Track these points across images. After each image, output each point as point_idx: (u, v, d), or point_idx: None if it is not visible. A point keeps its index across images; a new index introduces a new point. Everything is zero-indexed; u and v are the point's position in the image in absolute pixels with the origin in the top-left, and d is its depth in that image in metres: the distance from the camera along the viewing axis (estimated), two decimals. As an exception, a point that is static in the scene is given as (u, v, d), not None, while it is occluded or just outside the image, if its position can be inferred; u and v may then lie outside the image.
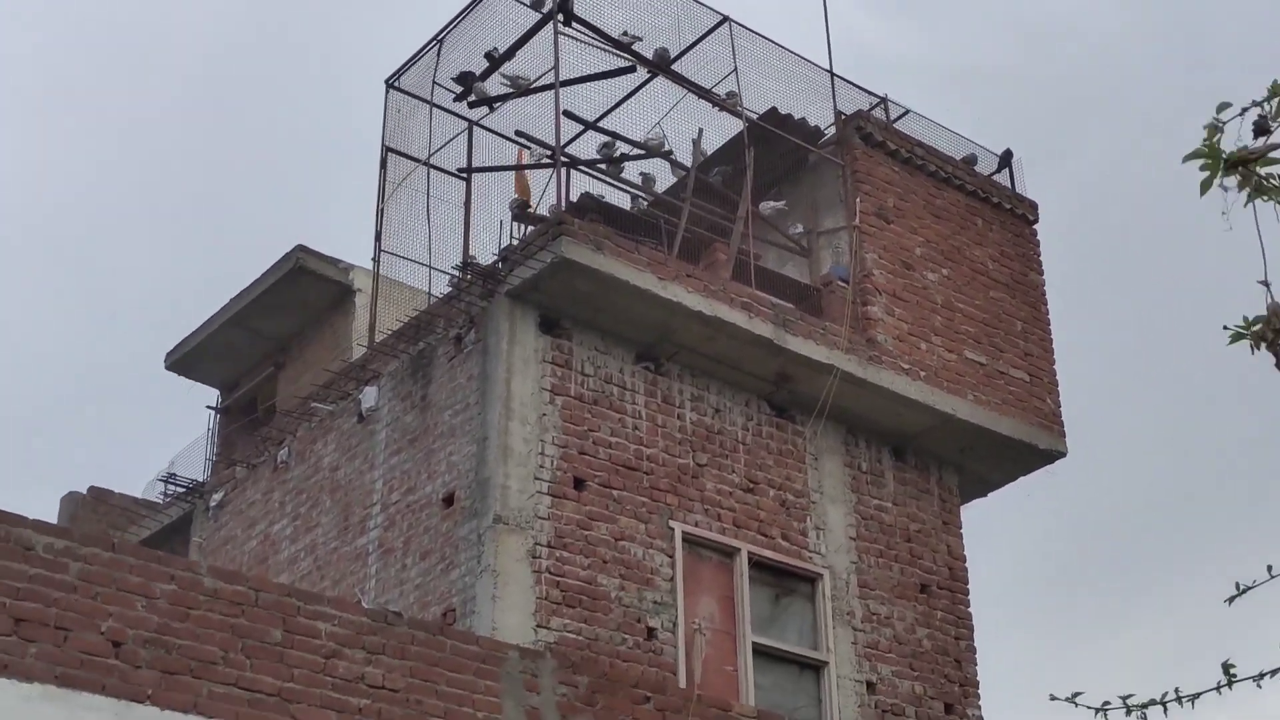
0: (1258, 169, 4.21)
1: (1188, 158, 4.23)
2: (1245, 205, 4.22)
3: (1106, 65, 46.09)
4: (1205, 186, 4.21)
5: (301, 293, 18.60)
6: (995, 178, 17.29)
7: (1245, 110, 4.24)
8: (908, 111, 16.99)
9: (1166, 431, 40.53)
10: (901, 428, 15.43)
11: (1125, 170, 44.22)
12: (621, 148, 15.60)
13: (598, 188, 15.44)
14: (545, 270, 13.35)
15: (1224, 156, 4.18)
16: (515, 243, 14.31)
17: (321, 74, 50.36)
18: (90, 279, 47.64)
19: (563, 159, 14.35)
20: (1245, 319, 4.41)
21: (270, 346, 19.56)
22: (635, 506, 13.56)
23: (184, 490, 17.39)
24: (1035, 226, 17.29)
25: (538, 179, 16.06)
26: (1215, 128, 4.22)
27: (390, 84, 16.79)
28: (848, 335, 14.78)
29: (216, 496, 16.97)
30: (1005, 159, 17.45)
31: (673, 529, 13.71)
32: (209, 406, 20.46)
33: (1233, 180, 4.24)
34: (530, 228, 14.64)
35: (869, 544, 14.95)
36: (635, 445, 13.84)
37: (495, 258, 14.07)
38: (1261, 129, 4.23)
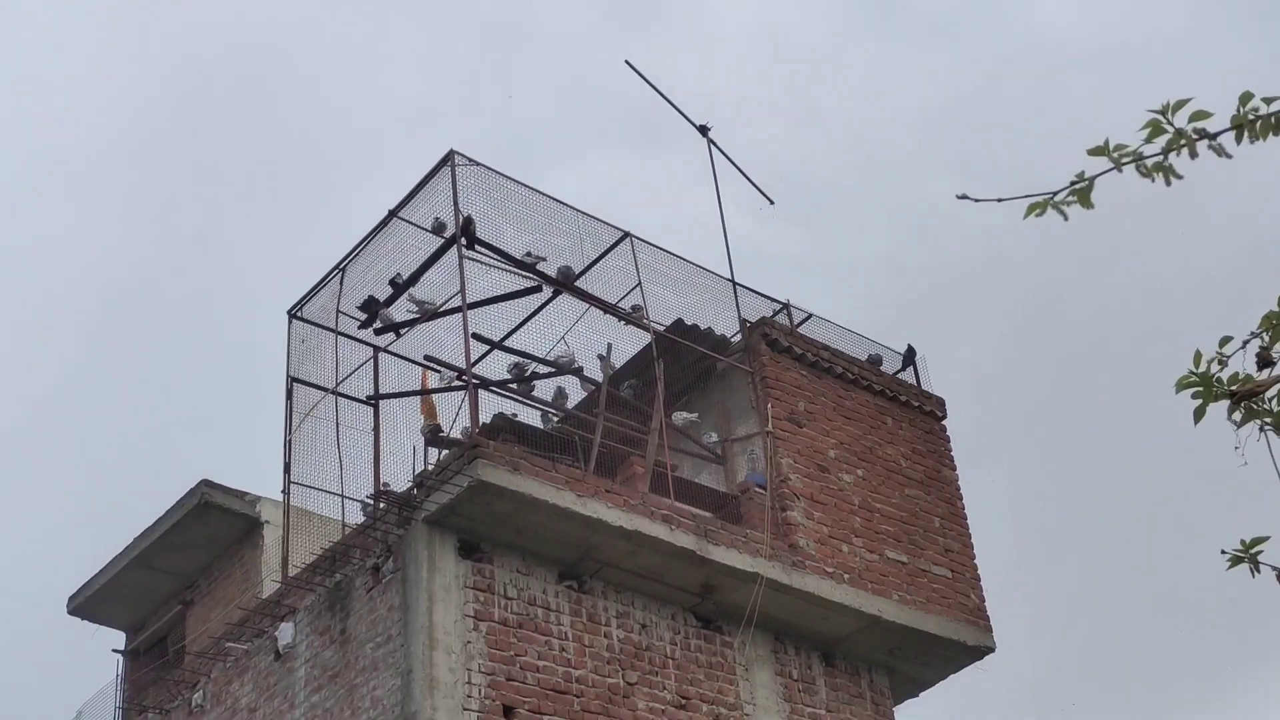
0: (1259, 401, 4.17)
1: (1180, 386, 4.21)
2: (1258, 438, 4.18)
3: (986, 249, 47.08)
4: (1199, 414, 4.19)
5: (208, 528, 18.24)
6: (901, 375, 17.45)
7: (1246, 342, 4.22)
8: (810, 315, 17.17)
9: (1090, 609, 40.61)
10: (829, 632, 15.28)
11: (1019, 349, 44.93)
12: (531, 366, 15.56)
13: (510, 408, 15.35)
14: (462, 494, 13.17)
15: (1231, 390, 4.16)
16: (430, 468, 14.13)
17: (224, 306, 50.19)
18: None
19: (473, 380, 14.26)
20: (1243, 542, 4.34)
21: (177, 584, 19.10)
22: (567, 732, 13.22)
23: (94, 742, 16.73)
24: (944, 422, 17.41)
25: (446, 402, 15.97)
26: (1220, 359, 4.19)
27: (293, 314, 16.71)
28: (769, 542, 14.69)
29: (128, 747, 16.33)
30: (909, 356, 17.65)
31: (606, 753, 13.36)
32: (115, 650, 19.89)
33: (1221, 406, 4.20)
34: (444, 452, 14.48)
35: (805, 754, 14.67)
36: (563, 667, 13.55)
37: (410, 484, 13.87)
38: (1265, 360, 4.22)
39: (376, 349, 16.51)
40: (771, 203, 18.38)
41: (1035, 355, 44.64)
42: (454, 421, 15.38)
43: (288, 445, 16.05)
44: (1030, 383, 44.38)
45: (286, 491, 15.81)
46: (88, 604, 19.54)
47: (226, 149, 50.56)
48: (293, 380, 16.39)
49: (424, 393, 16.11)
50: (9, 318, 49.90)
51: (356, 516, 15.35)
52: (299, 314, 16.67)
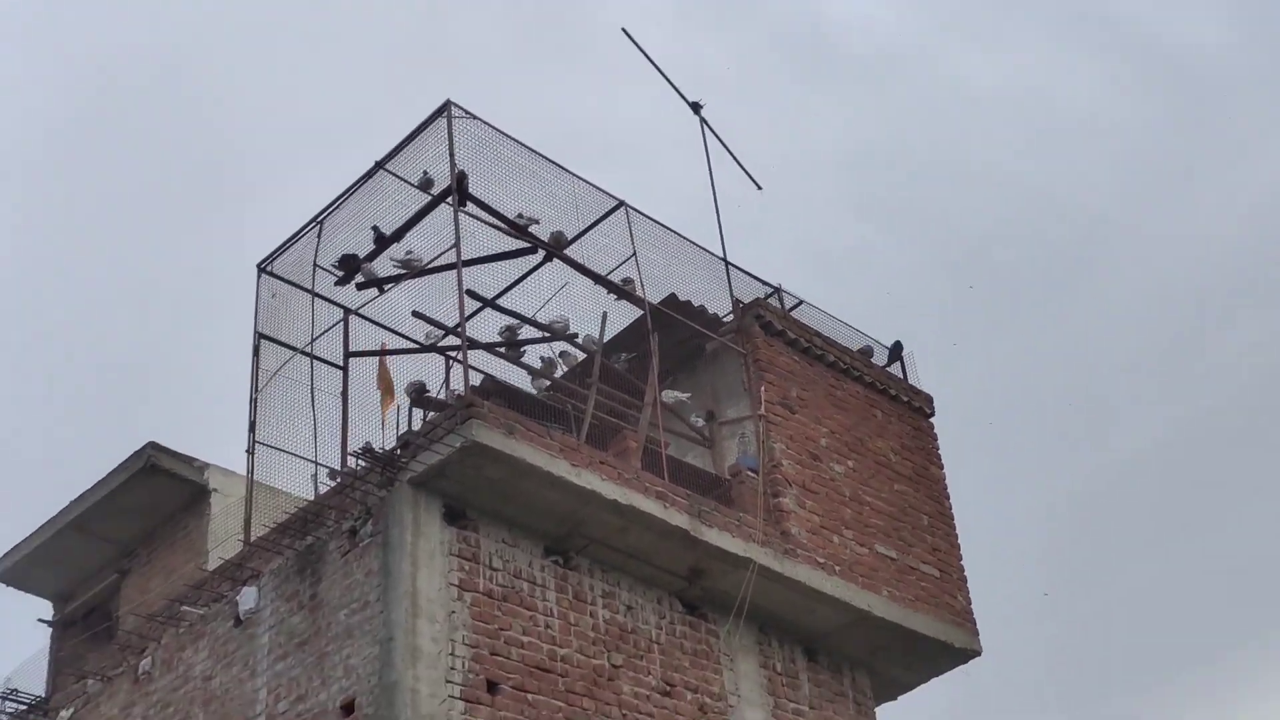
0: None
1: None
2: None
3: (984, 255, 46.87)
4: None
5: (152, 493, 17.34)
6: (888, 370, 16.95)
7: None
8: (801, 302, 16.62)
9: (1076, 622, 40.42)
10: (815, 626, 14.69)
11: (1017, 359, 44.69)
12: (523, 330, 14.86)
13: (497, 372, 14.63)
14: (454, 455, 12.43)
15: None
16: (413, 429, 13.38)
17: (190, 261, 48.64)
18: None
19: (466, 338, 13.53)
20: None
21: (114, 552, 18.12)
22: (551, 712, 12.49)
23: (26, 707, 15.71)
24: (932, 420, 16.93)
25: (427, 366, 15.23)
26: None
27: (262, 268, 15.86)
28: (762, 528, 14.08)
29: (65, 714, 15.36)
30: (896, 351, 17.16)
31: (591, 736, 12.66)
32: (41, 620, 18.87)
33: None
34: (430, 413, 13.74)
35: (789, 750, 14.06)
36: (549, 645, 12.83)
37: (395, 443, 13.09)
38: None
39: (347, 310, 15.70)
40: (760, 188, 17.86)
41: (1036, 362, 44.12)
42: (447, 384, 14.64)
43: (253, 403, 15.19)
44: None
45: (251, 451, 14.95)
46: (16, 569, 18.54)
47: (139, 149, 49.12)
48: (260, 337, 15.54)
49: (383, 353, 15.36)
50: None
51: (322, 481, 14.60)
52: (269, 268, 15.83)
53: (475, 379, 13.95)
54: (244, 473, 16.95)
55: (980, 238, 46.40)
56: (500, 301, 15.04)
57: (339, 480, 13.69)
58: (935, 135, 49.23)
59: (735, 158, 17.44)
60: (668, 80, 17.16)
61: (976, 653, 15.48)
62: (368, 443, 13.39)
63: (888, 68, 50.91)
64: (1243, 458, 40.91)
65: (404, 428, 14.00)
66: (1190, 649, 39.59)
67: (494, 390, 13.85)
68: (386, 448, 13.00)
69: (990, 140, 48.60)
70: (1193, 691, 39.79)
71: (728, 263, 16.06)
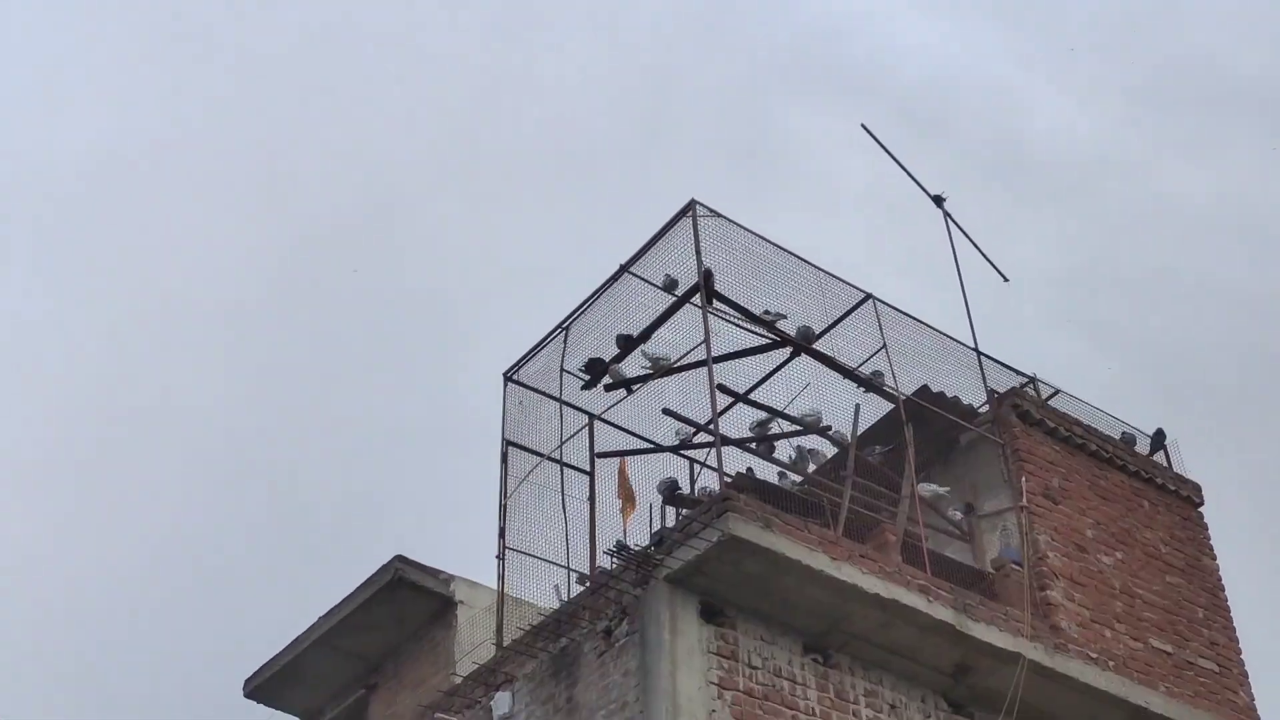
0: None
1: None
2: None
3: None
4: None
5: (399, 607, 17.40)
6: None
7: None
8: (1057, 391, 16.09)
9: None
10: (1088, 725, 13.96)
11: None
12: (774, 424, 14.63)
13: (748, 468, 14.39)
14: (711, 550, 12.17)
15: None
16: (667, 526, 13.18)
17: (430, 371, 49.75)
18: (165, 606, 45.74)
19: (719, 434, 13.34)
20: None
21: (361, 667, 18.21)
22: (819, 814, 12.05)
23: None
24: (1201, 509, 16.16)
25: (674, 465, 15.09)
26: None
27: (509, 376, 15.96)
28: (1030, 622, 13.49)
29: (323, 828, 15.36)
30: (1159, 439, 16.47)
31: (861, 840, 12.15)
32: (290, 737, 19.03)
33: None
34: (683, 511, 13.55)
35: None
36: (812, 745, 12.41)
37: (650, 541, 12.90)
38: None
39: (591, 415, 15.69)
40: (1006, 280, 17.43)
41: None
42: (694, 481, 14.46)
43: (503, 509, 15.21)
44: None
45: (501, 556, 14.92)
46: (266, 686, 18.72)
47: (348, 303, 50.48)
48: (508, 444, 15.59)
49: (631, 454, 15.27)
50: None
51: (564, 586, 14.53)
52: (515, 377, 15.93)
53: (730, 475, 13.71)
54: (488, 584, 17.08)
55: (1194, 350, 44.95)
56: (750, 398, 14.84)
57: (593, 580, 13.55)
58: (1144, 248, 48.10)
59: (979, 249, 17.09)
60: (908, 173, 16.92)
61: (1264, 753, 14.57)
62: (620, 541, 13.24)
63: (1093, 181, 49.96)
64: None
65: (654, 528, 13.81)
66: None
67: (747, 486, 13.60)
68: (640, 546, 12.82)
69: (1203, 251, 47.30)
70: None
71: (979, 353, 15.64)
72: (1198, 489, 16.27)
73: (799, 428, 14.60)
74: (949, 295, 16.56)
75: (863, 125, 16.59)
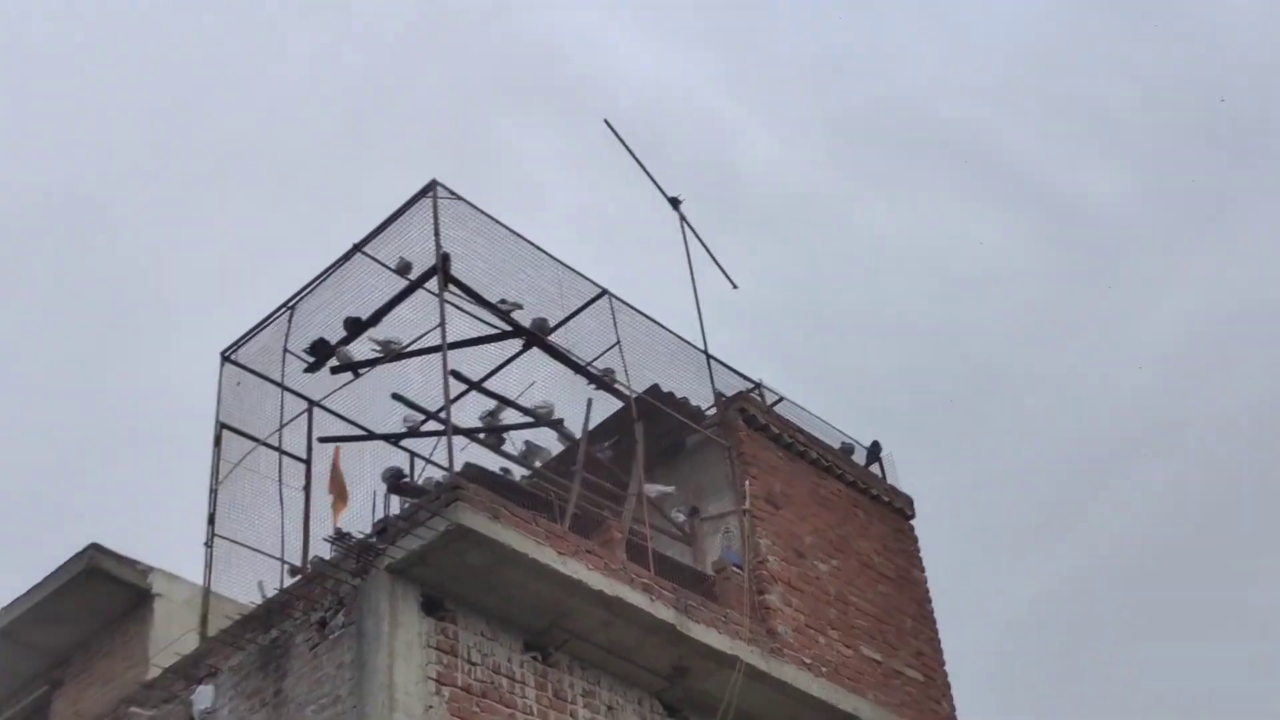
0: None
1: None
2: None
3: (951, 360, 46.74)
4: None
5: (92, 599, 16.43)
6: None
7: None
8: (781, 398, 16.23)
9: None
10: (797, 730, 14.06)
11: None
12: (503, 414, 14.34)
13: (476, 460, 14.07)
14: (437, 540, 11.81)
15: None
16: (391, 516, 12.76)
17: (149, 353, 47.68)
18: None
19: (451, 423, 12.99)
20: None
21: (45, 662, 17.14)
22: (532, 814, 11.81)
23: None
24: (912, 522, 16.51)
25: (378, 461, 14.63)
26: None
27: (226, 356, 15.29)
28: (749, 625, 13.52)
29: (0, 823, 14.41)
30: (874, 451, 16.78)
31: (572, 845, 11.95)
32: (-40, 740, 17.82)
33: None
34: (408, 500, 13.14)
35: None
36: (528, 745, 12.16)
37: (372, 530, 12.46)
38: None
39: (311, 402, 15.12)
40: (735, 286, 17.52)
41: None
42: (415, 472, 14.06)
43: (213, 495, 14.55)
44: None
45: (210, 544, 14.27)
46: (-69, 685, 17.50)
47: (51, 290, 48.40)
48: (223, 426, 14.91)
49: (355, 440, 14.79)
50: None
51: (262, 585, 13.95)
52: (233, 357, 15.26)
53: (458, 464, 13.36)
54: (189, 578, 16.35)
55: (884, 383, 46.57)
56: (483, 387, 14.52)
57: (309, 569, 13.04)
58: (839, 282, 49.66)
59: (712, 255, 17.13)
60: (647, 174, 16.87)
61: (965, 763, 14.92)
62: (338, 529, 12.77)
63: (794, 216, 51.28)
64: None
65: (376, 517, 13.36)
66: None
67: (475, 477, 13.28)
68: (361, 534, 12.37)
69: (892, 287, 49.09)
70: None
71: (709, 356, 15.67)
72: (910, 502, 16.61)
73: (529, 420, 14.35)
74: (676, 302, 16.60)
75: (605, 121, 16.50)
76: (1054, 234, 49.64)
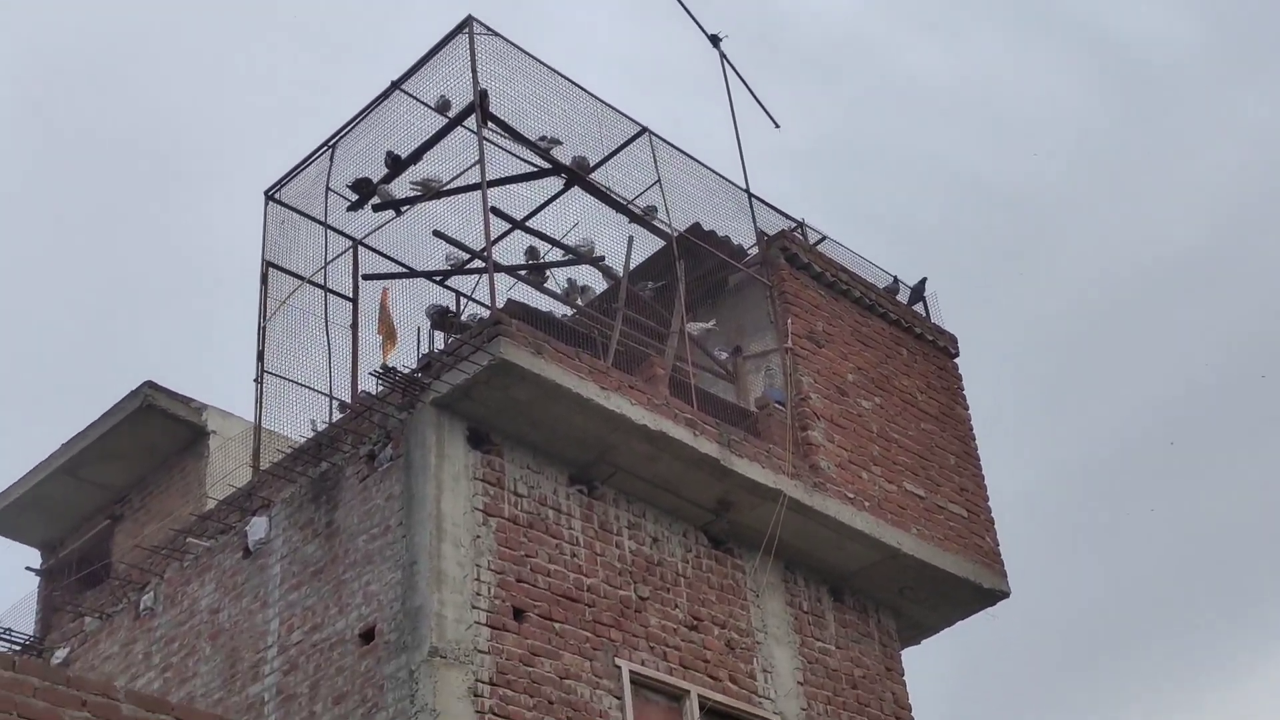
0: None
1: None
2: None
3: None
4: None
5: (148, 435, 16.64)
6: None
7: None
8: (824, 237, 16.14)
9: (1103, 564, 39.97)
10: (842, 564, 14.23)
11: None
12: (547, 251, 14.35)
13: (519, 296, 14.10)
14: (481, 374, 11.92)
15: None
16: (435, 350, 12.85)
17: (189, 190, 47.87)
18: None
19: (492, 260, 13.01)
20: None
21: (106, 497, 17.43)
22: (579, 641, 12.02)
23: (19, 646, 15.11)
24: (956, 360, 16.49)
25: (422, 299, 14.70)
26: None
27: (270, 195, 15.32)
28: (792, 460, 13.61)
29: (60, 653, 14.78)
30: (919, 290, 16.71)
31: (619, 668, 12.17)
32: (29, 568, 18.21)
33: None
34: (452, 336, 13.22)
35: (817, 689, 13.59)
36: (575, 574, 12.35)
37: (417, 365, 12.56)
38: None
39: (355, 240, 15.17)
40: (778, 126, 17.38)
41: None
42: (460, 308, 14.11)
43: (261, 332, 14.69)
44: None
45: (260, 380, 14.43)
46: (2, 517, 17.85)
47: (93, 130, 48.24)
48: (268, 265, 15.00)
49: (400, 277, 14.83)
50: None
51: (321, 412, 14.11)
52: (277, 195, 15.29)
53: (500, 301, 13.41)
54: (241, 415, 16.52)
55: (930, 230, 46.17)
56: (524, 225, 14.51)
57: (356, 404, 13.18)
58: (888, 126, 48.99)
59: (753, 93, 16.98)
60: (687, 11, 16.66)
61: (1005, 594, 15.04)
62: (385, 364, 12.87)
63: (841, 60, 50.49)
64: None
65: (421, 353, 13.46)
66: (1228, 597, 39.15)
67: (518, 313, 13.32)
68: (407, 369, 12.48)
69: (942, 134, 48.45)
70: (1213, 646, 39.48)
71: (751, 194, 15.58)
72: (954, 340, 16.58)
73: (571, 258, 14.34)
74: (718, 143, 16.45)
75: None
76: (1108, 77, 48.85)
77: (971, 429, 16.03)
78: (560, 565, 12.27)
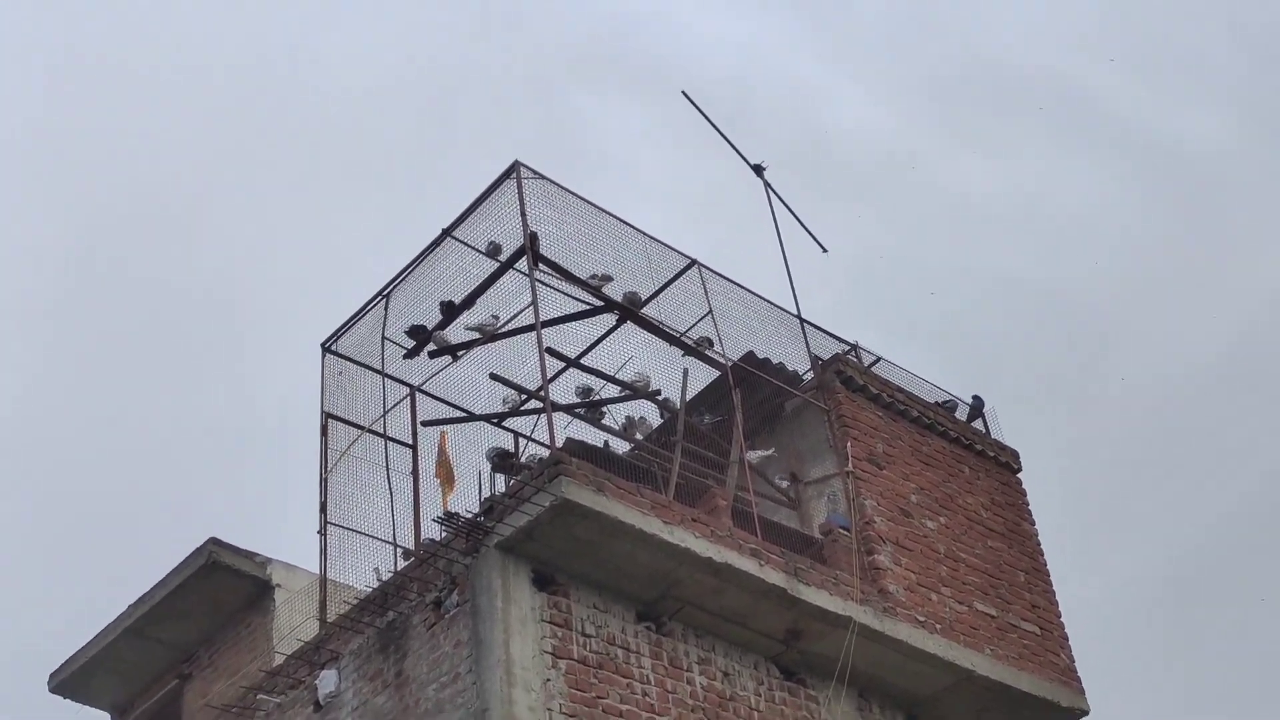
0: None
1: None
2: None
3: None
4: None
5: (213, 592, 16.69)
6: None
7: None
8: (879, 359, 16.15)
9: (1182, 673, 39.28)
10: (917, 689, 14.04)
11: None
12: (600, 389, 14.43)
13: (578, 436, 14.14)
14: (543, 515, 11.92)
15: None
16: (496, 494, 12.88)
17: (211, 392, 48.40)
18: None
19: (550, 399, 13.07)
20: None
21: (174, 656, 17.46)
22: (655, 782, 11.88)
23: (96, 812, 15.07)
24: (1019, 475, 16.38)
25: (499, 435, 14.78)
26: None
27: (326, 347, 15.50)
28: (859, 585, 13.50)
29: (136, 816, 14.72)
30: (978, 406, 16.66)
31: (698, 809, 12.01)
32: (102, 731, 18.22)
33: None
34: (513, 478, 13.25)
35: (900, 819, 13.37)
36: (647, 713, 12.22)
37: (480, 509, 12.58)
38: None
39: (412, 387, 15.30)
40: (825, 250, 17.45)
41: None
42: (519, 450, 14.16)
43: (323, 484, 14.76)
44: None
45: (323, 532, 14.47)
46: (72, 680, 17.82)
47: (150, 291, 49.08)
48: (328, 416, 15.12)
49: (456, 422, 14.92)
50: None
51: (384, 559, 14.13)
52: (333, 347, 15.46)
53: (559, 440, 13.45)
54: (305, 566, 16.56)
55: (981, 342, 46.13)
56: (579, 363, 14.61)
57: (420, 551, 13.20)
58: (937, 241, 49.20)
59: (799, 219, 17.08)
60: (729, 143, 16.86)
61: (1084, 712, 14.79)
62: (447, 509, 12.90)
63: (884, 176, 50.85)
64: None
65: (483, 496, 13.50)
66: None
67: (578, 452, 13.35)
68: (469, 514, 12.50)
69: (993, 245, 48.61)
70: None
71: (803, 320, 15.63)
72: (1016, 455, 16.48)
73: (626, 394, 14.40)
74: (767, 270, 16.55)
75: (683, 92, 16.48)
76: (1153, 183, 48.97)
77: (1039, 544, 15.88)
78: (632, 705, 12.16)
